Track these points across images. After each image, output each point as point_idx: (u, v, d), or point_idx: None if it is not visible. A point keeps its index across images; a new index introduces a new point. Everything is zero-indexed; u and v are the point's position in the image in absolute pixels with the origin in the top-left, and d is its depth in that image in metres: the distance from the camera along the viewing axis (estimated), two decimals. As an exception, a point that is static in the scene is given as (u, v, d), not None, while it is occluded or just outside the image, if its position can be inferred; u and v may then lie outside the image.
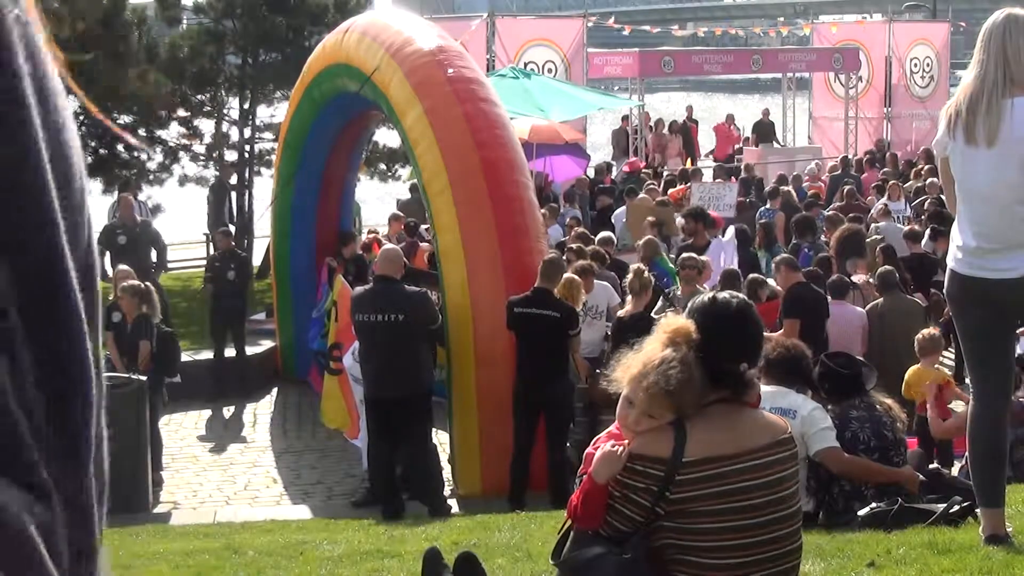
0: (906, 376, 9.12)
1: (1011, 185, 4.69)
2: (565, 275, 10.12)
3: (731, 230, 14.18)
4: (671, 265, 12.50)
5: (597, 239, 14.11)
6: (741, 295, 3.70)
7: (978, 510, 5.14)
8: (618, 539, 3.41)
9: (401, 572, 5.98)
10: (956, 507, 5.72)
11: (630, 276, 10.72)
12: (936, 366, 8.99)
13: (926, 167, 20.17)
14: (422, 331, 9.60)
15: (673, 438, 3.35)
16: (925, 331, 9.34)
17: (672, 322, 3.48)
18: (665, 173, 22.20)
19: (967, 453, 5.23)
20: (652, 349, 3.42)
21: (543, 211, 17.21)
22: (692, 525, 3.35)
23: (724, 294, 3.63)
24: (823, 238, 14.48)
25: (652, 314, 10.55)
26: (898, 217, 16.58)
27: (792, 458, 3.50)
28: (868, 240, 13.46)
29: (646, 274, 10.90)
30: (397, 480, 9.77)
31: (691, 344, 3.38)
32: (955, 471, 7.47)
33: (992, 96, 4.68)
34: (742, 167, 23.65)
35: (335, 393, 11.15)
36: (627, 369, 3.43)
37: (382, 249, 10.35)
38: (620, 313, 10.67)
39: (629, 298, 10.70)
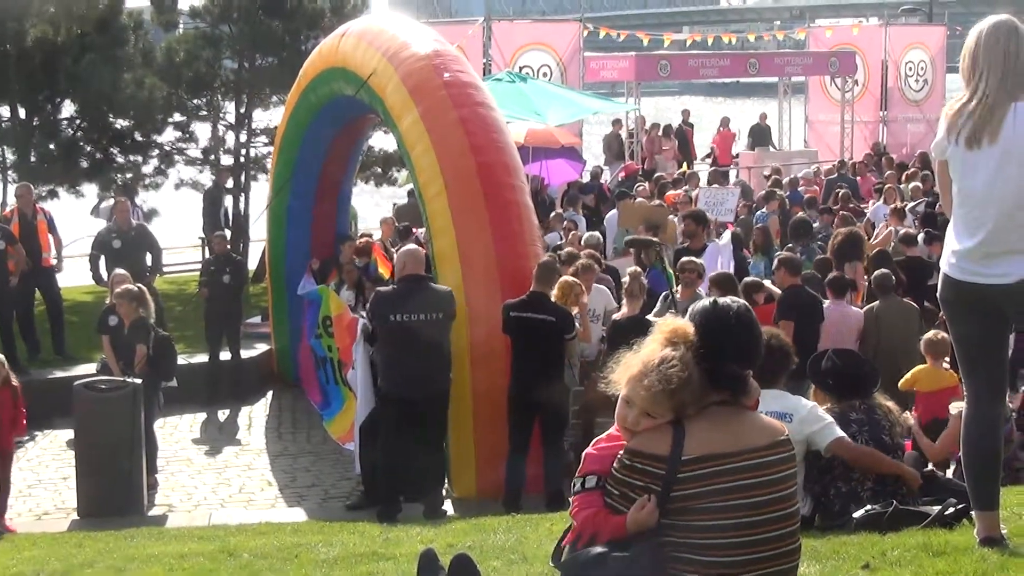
0: (913, 371, 9.07)
1: (1011, 189, 4.68)
2: (561, 279, 10.13)
3: (727, 234, 14.20)
4: (669, 269, 12.52)
5: (583, 240, 14.11)
6: (741, 300, 3.73)
7: (973, 512, 5.13)
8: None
9: (396, 575, 5.97)
10: (951, 509, 5.71)
11: (627, 279, 10.73)
12: (945, 366, 8.95)
13: (922, 171, 20.19)
14: (450, 329, 9.64)
15: (672, 436, 3.38)
16: (935, 332, 9.29)
17: (670, 323, 3.52)
18: (658, 175, 22.18)
19: (961, 456, 5.23)
20: (651, 349, 3.45)
21: (553, 214, 17.33)
22: (691, 523, 3.36)
23: (725, 299, 3.66)
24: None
25: (652, 316, 10.60)
26: (886, 219, 16.60)
27: (790, 460, 3.52)
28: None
29: (643, 278, 10.91)
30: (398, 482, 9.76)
31: (689, 345, 3.41)
32: (949, 473, 7.46)
33: (995, 99, 4.67)
34: (768, 171, 23.45)
35: (352, 408, 11.27)
36: (626, 370, 3.46)
37: (405, 249, 10.19)
38: (616, 316, 10.68)
39: (625, 301, 10.71)
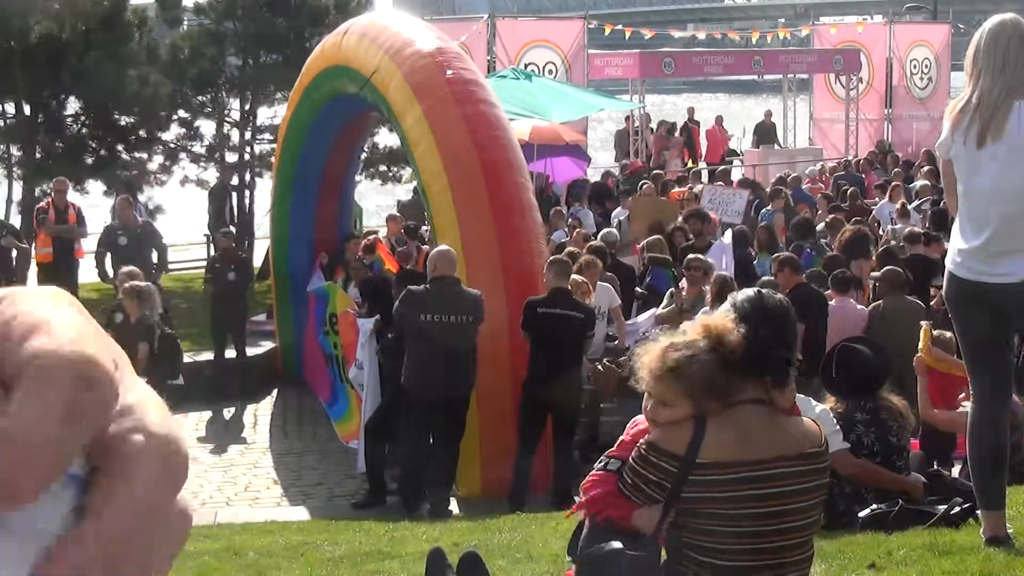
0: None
1: (1016, 187, 4.68)
2: (572, 276, 10.14)
3: (728, 232, 14.20)
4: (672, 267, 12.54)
5: (601, 235, 14.11)
6: (780, 294, 3.73)
7: (979, 512, 5.13)
8: (633, 534, 3.39)
9: (402, 573, 5.98)
10: (957, 508, 5.72)
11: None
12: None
13: (927, 168, 20.19)
14: (478, 332, 9.69)
15: (691, 435, 3.30)
16: (939, 332, 9.24)
17: (707, 319, 3.43)
18: (657, 172, 22.16)
19: (967, 455, 5.23)
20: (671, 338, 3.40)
21: (553, 210, 17.32)
22: (700, 525, 3.33)
23: (768, 289, 3.66)
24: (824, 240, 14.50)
25: (658, 312, 10.65)
26: (892, 217, 16.60)
27: (817, 472, 3.39)
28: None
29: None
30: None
31: (715, 338, 3.31)
32: (955, 472, 7.45)
33: (999, 98, 4.67)
34: (782, 173, 23.38)
35: (357, 409, 11.34)
36: (643, 359, 3.39)
37: (437, 250, 10.15)
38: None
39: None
